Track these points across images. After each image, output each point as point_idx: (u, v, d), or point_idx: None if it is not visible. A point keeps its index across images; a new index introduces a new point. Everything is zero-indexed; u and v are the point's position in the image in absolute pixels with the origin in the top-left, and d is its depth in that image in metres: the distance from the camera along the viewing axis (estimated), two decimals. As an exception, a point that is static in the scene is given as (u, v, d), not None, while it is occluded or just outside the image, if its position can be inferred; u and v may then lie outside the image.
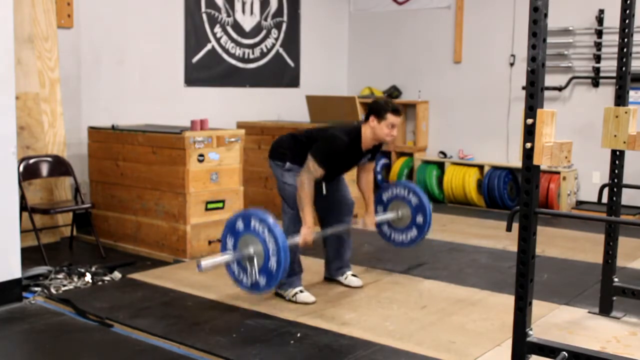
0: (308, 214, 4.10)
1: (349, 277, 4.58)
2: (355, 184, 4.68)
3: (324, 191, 4.36)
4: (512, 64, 7.87)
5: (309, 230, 4.09)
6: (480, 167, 7.87)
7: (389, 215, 4.87)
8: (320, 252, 4.73)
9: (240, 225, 3.83)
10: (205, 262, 3.72)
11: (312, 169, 4.09)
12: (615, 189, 3.88)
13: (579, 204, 7.49)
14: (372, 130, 4.23)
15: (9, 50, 4.08)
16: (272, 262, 3.69)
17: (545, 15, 2.58)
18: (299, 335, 3.69)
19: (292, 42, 8.42)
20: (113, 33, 6.54)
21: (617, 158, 3.87)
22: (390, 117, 4.21)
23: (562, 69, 7.51)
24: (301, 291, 4.25)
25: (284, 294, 4.24)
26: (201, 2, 7.32)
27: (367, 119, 4.26)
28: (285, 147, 4.34)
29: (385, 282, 4.71)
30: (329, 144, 4.17)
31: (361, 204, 4.77)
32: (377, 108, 4.24)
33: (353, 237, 4.73)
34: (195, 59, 7.33)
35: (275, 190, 6.86)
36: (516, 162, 7.73)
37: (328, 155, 4.14)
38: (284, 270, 3.70)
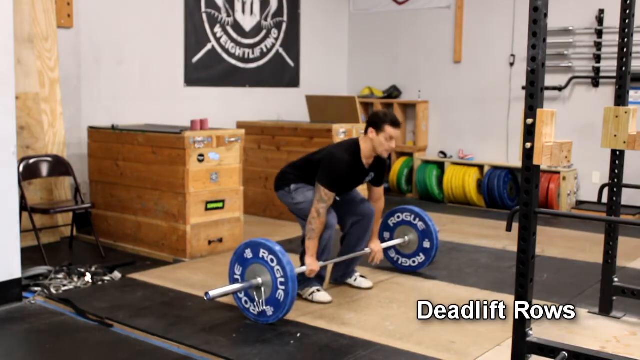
0: (313, 245, 4.10)
1: (359, 279, 4.58)
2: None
3: (337, 199, 4.35)
4: (512, 64, 7.87)
5: (312, 259, 4.11)
6: (480, 167, 7.86)
7: (396, 241, 4.91)
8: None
9: (248, 254, 3.86)
10: (214, 292, 3.75)
11: (325, 197, 4.06)
12: (615, 189, 3.88)
13: (579, 204, 7.49)
14: (371, 142, 4.17)
15: (9, 50, 4.08)
16: (280, 292, 3.73)
17: (545, 15, 2.58)
18: (299, 335, 3.69)
19: (292, 42, 8.42)
20: (113, 33, 6.54)
21: (617, 158, 3.86)
22: (389, 130, 4.10)
23: (562, 69, 7.51)
24: (318, 290, 4.26)
25: (300, 292, 4.25)
26: (201, 2, 7.32)
27: (366, 131, 4.22)
28: (287, 173, 4.37)
29: (385, 282, 4.71)
30: (331, 165, 4.12)
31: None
32: (376, 120, 4.16)
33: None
34: (195, 59, 7.33)
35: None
36: (516, 162, 7.73)
37: (334, 177, 4.10)
38: (292, 300, 3.73)
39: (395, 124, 4.14)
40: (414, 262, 4.90)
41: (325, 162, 4.17)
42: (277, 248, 3.78)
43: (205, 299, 3.73)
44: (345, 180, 4.20)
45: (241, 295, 3.91)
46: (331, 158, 4.16)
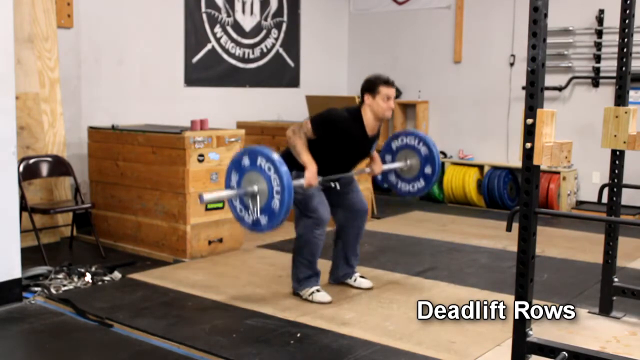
0: (307, 158, 4.00)
1: (358, 279, 4.56)
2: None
3: (338, 187, 4.32)
4: (512, 64, 7.87)
5: (312, 173, 3.99)
6: (480, 167, 7.87)
7: (397, 164, 4.78)
8: (326, 253, 4.67)
9: (246, 161, 3.76)
10: (208, 196, 3.68)
11: (304, 128, 4.05)
12: (615, 189, 3.88)
13: (579, 204, 7.49)
14: (370, 109, 4.18)
15: (9, 50, 4.08)
16: (275, 201, 3.64)
17: (545, 15, 2.58)
18: (299, 335, 3.68)
19: (292, 42, 8.42)
20: (113, 33, 6.54)
21: (617, 158, 3.87)
22: (384, 89, 4.15)
23: (562, 69, 7.51)
24: (318, 290, 4.24)
25: (300, 293, 4.24)
26: (201, 2, 7.32)
27: (362, 101, 4.22)
28: (292, 155, 4.33)
29: (385, 282, 4.71)
30: (327, 112, 4.14)
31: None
32: (368, 85, 4.20)
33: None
34: (195, 59, 7.33)
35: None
36: (516, 162, 7.73)
37: (323, 122, 4.08)
38: (287, 210, 3.63)
39: (388, 82, 4.18)
40: (413, 186, 4.80)
41: (323, 112, 4.19)
42: (275, 156, 3.68)
43: (199, 202, 3.70)
44: (346, 144, 4.15)
45: (236, 203, 3.81)
46: (329, 109, 4.20)
